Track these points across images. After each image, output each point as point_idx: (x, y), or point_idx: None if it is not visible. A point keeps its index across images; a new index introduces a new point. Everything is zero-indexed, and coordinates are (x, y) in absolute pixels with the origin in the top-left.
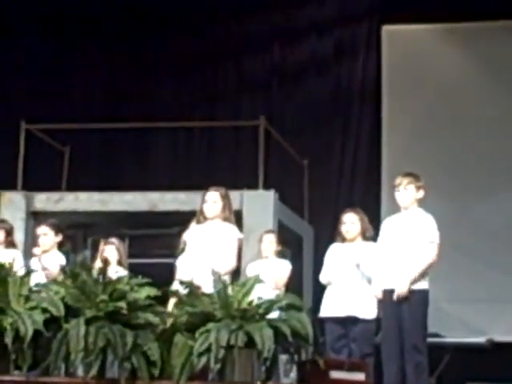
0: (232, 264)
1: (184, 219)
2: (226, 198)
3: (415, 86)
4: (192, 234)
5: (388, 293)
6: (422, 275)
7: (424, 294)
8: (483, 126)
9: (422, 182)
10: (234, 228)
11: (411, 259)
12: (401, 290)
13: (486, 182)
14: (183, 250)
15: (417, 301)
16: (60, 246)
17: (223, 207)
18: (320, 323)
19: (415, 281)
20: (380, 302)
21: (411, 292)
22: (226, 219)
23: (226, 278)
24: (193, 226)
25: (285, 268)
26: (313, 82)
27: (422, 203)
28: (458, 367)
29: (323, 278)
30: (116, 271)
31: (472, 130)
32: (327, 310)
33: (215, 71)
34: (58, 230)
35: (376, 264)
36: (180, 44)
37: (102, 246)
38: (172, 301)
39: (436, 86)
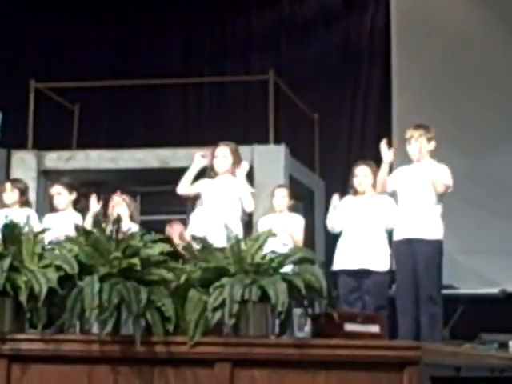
0: (251, 199)
1: (196, 175)
2: (236, 153)
3: (425, 38)
4: (204, 189)
5: (402, 243)
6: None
7: (439, 244)
8: (495, 78)
9: (433, 132)
10: (244, 182)
11: (427, 210)
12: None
13: (498, 134)
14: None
15: (432, 251)
16: (75, 204)
17: (234, 162)
18: (333, 276)
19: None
20: (394, 253)
21: (426, 243)
22: (236, 174)
23: (239, 232)
24: (204, 180)
25: (299, 223)
26: (322, 36)
27: (433, 154)
28: (471, 318)
29: (330, 224)
30: (129, 227)
31: (484, 82)
32: (340, 262)
33: (223, 26)
34: (71, 188)
35: (396, 215)
36: (188, 0)
37: (111, 203)
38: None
39: (446, 37)
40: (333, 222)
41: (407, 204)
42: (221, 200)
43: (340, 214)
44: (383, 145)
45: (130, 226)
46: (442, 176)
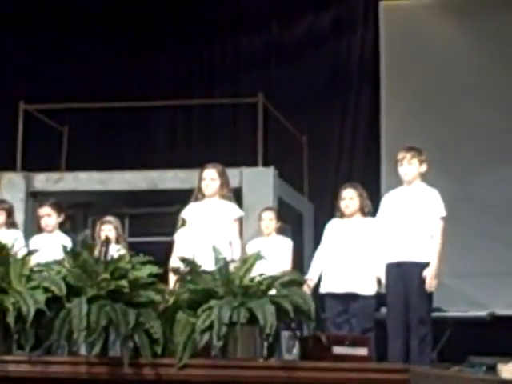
0: (239, 248)
1: (184, 197)
2: (223, 175)
3: (413, 62)
4: (191, 212)
5: (393, 267)
6: (440, 255)
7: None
8: (482, 101)
9: (425, 156)
10: (234, 206)
11: (418, 233)
12: (430, 277)
13: (485, 156)
14: (182, 226)
15: (423, 274)
16: (60, 225)
17: (221, 184)
18: (320, 299)
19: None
20: (385, 276)
21: (418, 265)
22: (224, 197)
23: (228, 255)
24: (191, 204)
25: (287, 246)
26: (311, 59)
27: (424, 178)
28: (459, 341)
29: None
30: (118, 249)
31: (471, 105)
32: (327, 286)
33: (213, 48)
34: (60, 210)
35: (379, 240)
36: (177, 21)
37: (98, 226)
38: (172, 278)
39: (434, 61)
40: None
41: (398, 227)
42: (209, 223)
43: (326, 237)
44: None
45: (118, 248)
46: (432, 212)
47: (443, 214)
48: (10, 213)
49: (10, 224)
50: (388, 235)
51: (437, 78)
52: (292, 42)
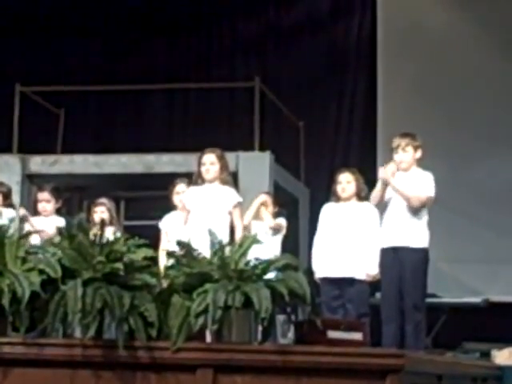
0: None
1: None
2: (222, 159)
3: (411, 46)
4: (191, 197)
5: (388, 252)
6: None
7: (425, 252)
8: (480, 85)
9: (420, 141)
10: (232, 192)
11: (413, 219)
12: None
13: (483, 142)
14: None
15: (418, 259)
16: (57, 210)
17: (221, 168)
18: (316, 284)
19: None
20: (380, 262)
21: (412, 251)
22: (224, 181)
23: (225, 239)
24: (191, 188)
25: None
26: (308, 43)
27: (420, 163)
28: (454, 327)
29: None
30: (114, 232)
31: (469, 90)
32: (322, 270)
33: (210, 32)
34: (58, 196)
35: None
36: (175, 6)
37: (92, 208)
38: (163, 261)
39: (432, 45)
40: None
41: (393, 212)
42: (209, 208)
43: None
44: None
45: (114, 231)
46: (421, 190)
47: (431, 194)
48: (6, 195)
49: (7, 206)
50: (386, 220)
51: (434, 62)
52: (289, 27)
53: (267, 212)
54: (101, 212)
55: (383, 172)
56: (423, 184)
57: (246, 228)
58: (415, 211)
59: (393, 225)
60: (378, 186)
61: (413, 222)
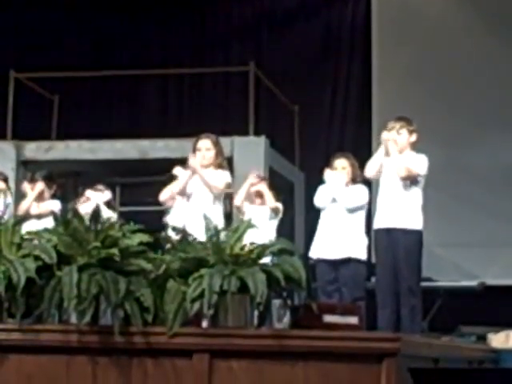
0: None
1: (174, 166)
2: (217, 145)
3: (405, 31)
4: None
5: (382, 233)
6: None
7: (418, 234)
8: (476, 70)
9: (415, 125)
10: (224, 173)
11: (407, 201)
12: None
13: (478, 127)
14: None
15: (411, 242)
16: (52, 196)
17: (216, 154)
18: (312, 268)
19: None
20: (374, 243)
21: (405, 233)
22: (219, 166)
23: (220, 224)
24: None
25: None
26: (303, 28)
27: (414, 147)
28: (450, 311)
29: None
30: (111, 217)
31: (463, 76)
32: (318, 251)
33: (204, 17)
34: (51, 182)
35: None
36: None
37: (87, 194)
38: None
39: (426, 30)
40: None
41: (387, 194)
42: (205, 193)
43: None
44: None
45: (110, 216)
46: (412, 163)
47: (422, 171)
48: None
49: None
50: (379, 202)
51: (429, 47)
52: (283, 12)
53: (270, 193)
54: (97, 197)
55: (387, 134)
56: (416, 162)
57: (239, 209)
58: (408, 191)
59: (386, 206)
60: (378, 154)
61: (407, 203)
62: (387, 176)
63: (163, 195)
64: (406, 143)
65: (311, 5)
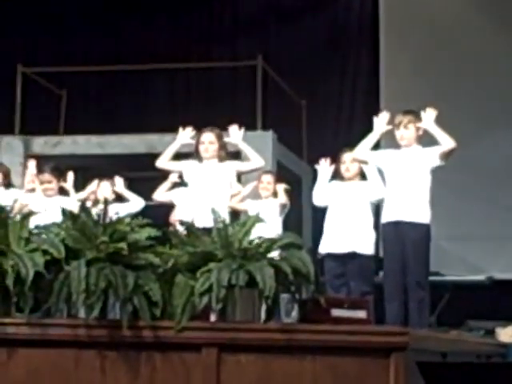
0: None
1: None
2: (221, 138)
3: (413, 22)
4: (190, 171)
5: (390, 226)
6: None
7: (426, 228)
8: (482, 63)
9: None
10: (229, 163)
11: (416, 194)
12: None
13: (484, 119)
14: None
15: (420, 235)
16: (61, 189)
17: (219, 147)
18: (320, 262)
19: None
20: (382, 236)
21: (414, 226)
22: (222, 159)
23: (226, 217)
24: (189, 162)
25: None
26: (310, 21)
27: (421, 141)
28: (457, 305)
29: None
30: (116, 212)
31: (471, 68)
32: (326, 246)
33: (212, 11)
34: (60, 174)
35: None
36: None
37: (95, 186)
38: None
39: (434, 23)
40: (319, 196)
41: (396, 188)
42: (208, 185)
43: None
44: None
45: (117, 211)
46: (426, 154)
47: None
48: (5, 175)
49: (7, 185)
50: (389, 194)
51: (437, 38)
52: (291, 5)
53: (282, 189)
54: (105, 188)
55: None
56: (431, 149)
57: (244, 199)
58: (420, 186)
59: (395, 200)
60: (369, 138)
61: (415, 197)
62: (394, 171)
63: (157, 194)
64: (414, 138)
65: None
